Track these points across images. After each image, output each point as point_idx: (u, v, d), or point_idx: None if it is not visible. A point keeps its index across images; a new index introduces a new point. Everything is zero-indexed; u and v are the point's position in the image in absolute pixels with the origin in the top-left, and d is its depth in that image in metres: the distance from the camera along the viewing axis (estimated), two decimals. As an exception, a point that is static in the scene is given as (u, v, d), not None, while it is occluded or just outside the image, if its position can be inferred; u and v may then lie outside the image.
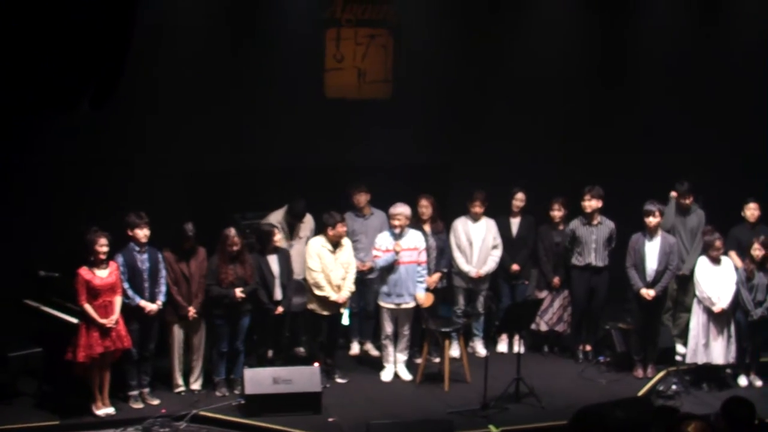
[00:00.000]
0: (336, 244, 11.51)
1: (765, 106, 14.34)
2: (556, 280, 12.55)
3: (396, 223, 11.57)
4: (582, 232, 12.26)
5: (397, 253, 11.54)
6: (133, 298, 10.66)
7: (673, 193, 12.45)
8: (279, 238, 11.52)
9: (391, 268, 11.62)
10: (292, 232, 12.18)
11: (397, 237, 11.59)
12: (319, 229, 11.82)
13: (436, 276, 12.16)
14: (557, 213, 12.57)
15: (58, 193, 11.97)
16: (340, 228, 11.48)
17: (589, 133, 14.35)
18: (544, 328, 12.66)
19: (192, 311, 11.00)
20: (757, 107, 14.35)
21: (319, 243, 11.51)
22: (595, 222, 12.25)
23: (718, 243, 11.55)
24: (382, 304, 11.81)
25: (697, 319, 11.61)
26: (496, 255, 12.47)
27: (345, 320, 12.20)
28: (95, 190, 12.07)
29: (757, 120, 14.39)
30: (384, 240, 11.66)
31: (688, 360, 11.71)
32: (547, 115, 14.22)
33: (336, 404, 10.90)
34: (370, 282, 12.23)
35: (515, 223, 12.72)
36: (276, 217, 12.14)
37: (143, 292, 10.74)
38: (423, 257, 11.74)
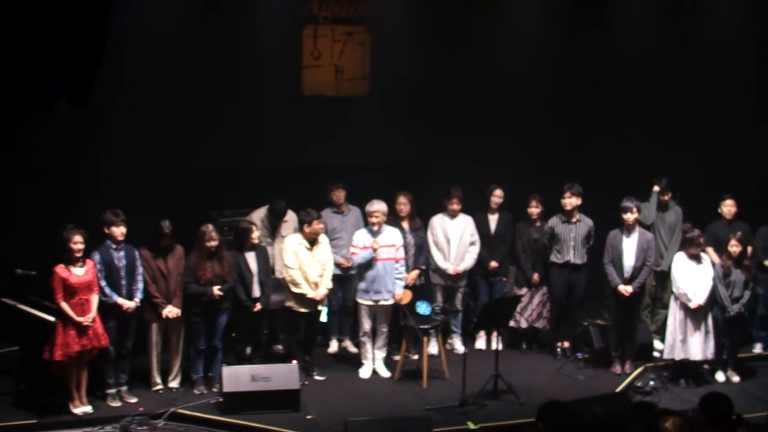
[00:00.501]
0: (313, 242, 11.49)
1: (742, 102, 14.41)
2: (536, 276, 12.55)
3: (373, 220, 11.57)
4: (561, 229, 12.28)
5: (374, 250, 11.54)
6: (110, 296, 10.60)
7: (656, 187, 12.49)
8: (256, 236, 11.49)
9: (369, 265, 11.60)
10: (274, 230, 12.15)
11: (375, 234, 11.59)
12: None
13: (415, 273, 12.17)
14: (535, 210, 12.57)
15: (39, 192, 11.91)
16: (317, 225, 11.45)
17: (567, 129, 14.36)
18: (524, 324, 12.65)
19: (173, 311, 10.96)
20: (735, 104, 14.43)
21: (296, 240, 11.49)
22: (574, 219, 12.27)
23: (702, 240, 11.57)
24: (360, 301, 11.80)
25: (674, 316, 11.63)
26: (473, 252, 12.47)
27: (323, 317, 12.18)
28: (74, 188, 12.01)
29: (735, 117, 14.46)
30: (361, 237, 11.65)
31: (666, 356, 11.74)
32: (525, 111, 14.23)
33: (314, 401, 10.88)
34: (351, 278, 12.22)
35: (493, 219, 12.72)
36: (258, 215, 12.12)
37: (120, 289, 10.69)
38: (401, 254, 11.74)
